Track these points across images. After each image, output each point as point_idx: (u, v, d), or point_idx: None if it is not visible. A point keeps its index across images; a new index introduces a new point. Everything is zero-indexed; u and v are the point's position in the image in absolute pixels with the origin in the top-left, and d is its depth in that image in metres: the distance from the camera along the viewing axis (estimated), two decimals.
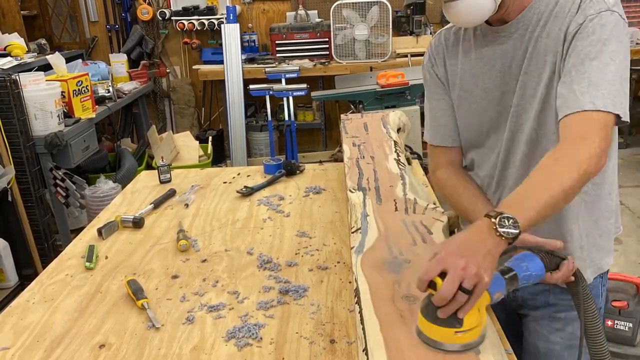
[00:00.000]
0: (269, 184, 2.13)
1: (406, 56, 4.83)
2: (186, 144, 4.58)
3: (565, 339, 1.28)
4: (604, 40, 1.06)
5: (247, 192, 2.04)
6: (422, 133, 4.81)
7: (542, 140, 1.19)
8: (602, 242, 1.28)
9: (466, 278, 0.86)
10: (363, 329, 0.98)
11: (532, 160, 1.19)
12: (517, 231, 0.91)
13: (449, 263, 0.88)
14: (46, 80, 3.19)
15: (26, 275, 3.08)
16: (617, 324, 1.66)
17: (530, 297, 1.32)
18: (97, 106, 3.76)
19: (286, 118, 4.59)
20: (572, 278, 1.04)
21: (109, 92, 4.07)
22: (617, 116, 1.04)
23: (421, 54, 4.80)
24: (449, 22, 1.31)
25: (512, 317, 1.38)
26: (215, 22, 5.12)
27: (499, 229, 0.91)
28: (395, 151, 1.99)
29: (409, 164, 2.08)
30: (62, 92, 3.27)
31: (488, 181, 1.33)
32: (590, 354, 1.04)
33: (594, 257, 1.26)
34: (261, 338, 1.18)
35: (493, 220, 0.92)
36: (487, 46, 1.24)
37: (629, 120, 1.06)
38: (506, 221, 0.91)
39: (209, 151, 4.74)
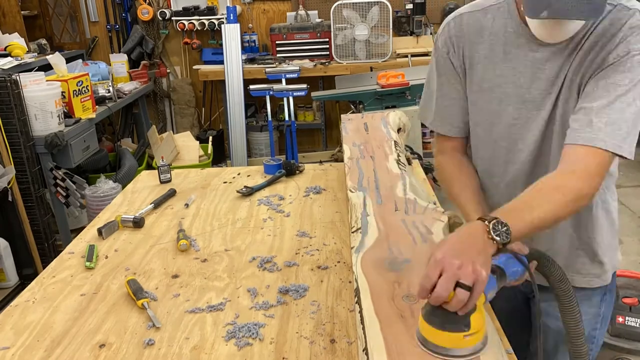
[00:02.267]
0: (269, 184, 2.13)
1: (406, 56, 4.83)
2: (186, 144, 4.58)
3: None
4: (637, 81, 1.07)
5: (247, 192, 2.04)
6: (423, 134, 4.77)
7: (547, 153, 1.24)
8: (615, 242, 1.36)
9: (462, 275, 0.87)
10: (363, 329, 0.98)
11: (535, 169, 1.26)
12: (509, 238, 0.95)
13: (446, 263, 0.88)
14: (46, 81, 3.19)
15: (26, 275, 3.08)
16: (627, 320, 1.68)
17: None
18: (97, 106, 3.77)
19: (286, 118, 4.59)
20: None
21: (109, 92, 4.07)
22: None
23: (421, 54, 4.84)
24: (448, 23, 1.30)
25: (521, 301, 1.46)
26: (216, 22, 5.13)
27: (492, 233, 0.94)
28: (396, 151, 1.99)
29: (409, 164, 2.08)
30: (62, 92, 3.27)
31: (487, 174, 1.36)
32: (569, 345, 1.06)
33: (611, 258, 1.35)
34: (261, 338, 1.18)
35: (487, 223, 0.95)
36: (519, 48, 1.21)
37: (632, 158, 1.11)
38: (499, 226, 0.95)
39: (209, 151, 4.74)
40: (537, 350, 1.09)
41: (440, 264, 0.89)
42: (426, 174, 2.38)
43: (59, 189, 3.15)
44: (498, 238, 0.94)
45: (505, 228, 0.95)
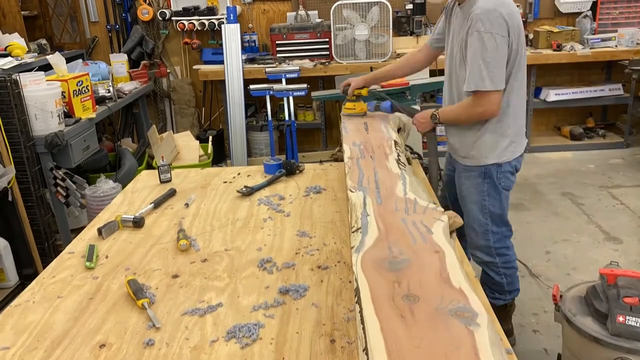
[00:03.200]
0: (269, 183, 2.13)
1: None
2: (186, 144, 4.58)
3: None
4: (476, 46, 1.96)
5: (247, 192, 2.04)
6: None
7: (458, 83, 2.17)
8: (487, 152, 2.14)
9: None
10: (363, 329, 0.98)
11: (451, 90, 2.23)
12: (437, 120, 2.18)
13: None
14: (47, 80, 3.19)
15: (26, 275, 3.08)
16: (628, 319, 1.68)
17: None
18: (97, 106, 3.77)
19: (286, 118, 4.59)
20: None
21: (109, 92, 4.07)
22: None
23: None
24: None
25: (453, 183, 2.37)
26: (216, 22, 5.13)
27: (433, 118, 2.18)
28: (396, 151, 1.99)
29: (409, 163, 2.08)
30: (62, 92, 3.27)
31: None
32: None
33: (475, 155, 2.16)
34: (261, 338, 1.18)
35: (433, 112, 2.18)
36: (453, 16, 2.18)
37: (497, 88, 1.98)
38: (436, 115, 2.18)
39: (209, 151, 4.74)
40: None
41: None
42: (426, 174, 2.38)
43: (59, 188, 3.15)
44: (433, 118, 2.18)
45: (436, 116, 2.17)
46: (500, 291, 2.34)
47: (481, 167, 2.16)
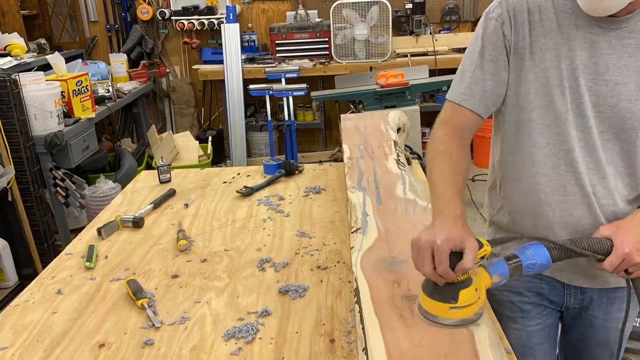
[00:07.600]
0: (268, 184, 2.13)
1: (406, 56, 4.83)
2: (186, 144, 4.57)
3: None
4: None
5: (247, 192, 2.04)
6: (423, 133, 4.73)
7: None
8: None
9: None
10: (363, 329, 0.98)
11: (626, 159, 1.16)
12: None
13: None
14: (46, 80, 3.19)
15: (26, 275, 3.08)
16: None
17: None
18: (97, 106, 3.76)
19: (286, 118, 4.59)
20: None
21: (108, 92, 4.07)
22: None
23: (421, 54, 4.84)
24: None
25: (555, 318, 1.42)
26: (215, 21, 5.13)
27: None
28: (395, 151, 1.99)
29: (409, 164, 2.08)
30: (61, 92, 3.27)
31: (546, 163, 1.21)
32: None
33: None
34: (260, 338, 1.18)
35: None
36: (587, 30, 1.12)
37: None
38: None
39: (209, 151, 4.74)
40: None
41: None
42: (425, 174, 2.37)
43: (58, 189, 3.15)
44: None
45: None
46: None
47: None
